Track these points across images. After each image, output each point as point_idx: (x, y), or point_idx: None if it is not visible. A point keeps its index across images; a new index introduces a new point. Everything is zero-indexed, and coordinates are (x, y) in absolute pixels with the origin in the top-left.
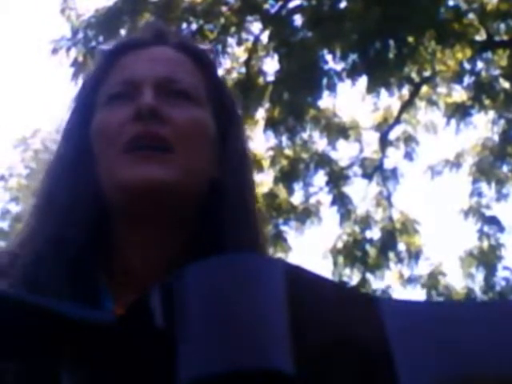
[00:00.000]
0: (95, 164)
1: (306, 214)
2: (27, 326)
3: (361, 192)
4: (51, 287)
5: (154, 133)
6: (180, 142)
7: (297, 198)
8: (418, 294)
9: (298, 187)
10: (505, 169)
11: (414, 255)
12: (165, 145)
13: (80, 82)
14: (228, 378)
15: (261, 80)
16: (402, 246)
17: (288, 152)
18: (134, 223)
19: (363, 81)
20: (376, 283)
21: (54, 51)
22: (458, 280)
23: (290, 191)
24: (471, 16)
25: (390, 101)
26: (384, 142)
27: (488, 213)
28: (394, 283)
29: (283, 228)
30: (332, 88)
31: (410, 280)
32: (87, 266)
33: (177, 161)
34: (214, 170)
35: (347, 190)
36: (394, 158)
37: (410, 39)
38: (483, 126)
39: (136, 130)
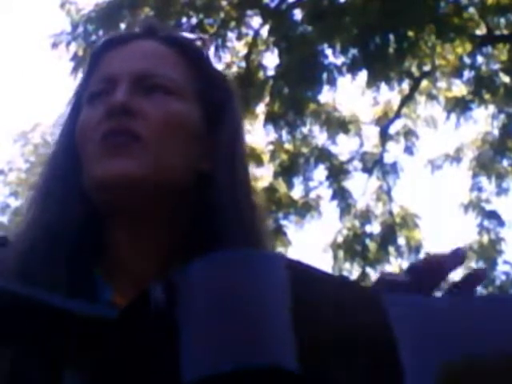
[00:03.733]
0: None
1: (306, 209)
2: (31, 322)
3: (361, 186)
4: (47, 278)
5: (125, 128)
6: (153, 136)
7: (297, 193)
8: None
9: (297, 181)
10: (505, 163)
11: (414, 249)
12: (134, 137)
13: (80, 76)
14: (232, 376)
15: (261, 74)
16: (401, 241)
17: (288, 146)
18: (119, 219)
19: (363, 75)
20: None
21: (54, 45)
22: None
23: (290, 185)
24: (471, 10)
25: (390, 95)
26: (384, 137)
27: (488, 207)
28: None
29: (283, 222)
30: (332, 82)
31: None
32: (83, 259)
33: (148, 153)
34: (202, 164)
35: (347, 184)
36: (394, 152)
37: (410, 33)
38: (483, 120)
39: (107, 127)
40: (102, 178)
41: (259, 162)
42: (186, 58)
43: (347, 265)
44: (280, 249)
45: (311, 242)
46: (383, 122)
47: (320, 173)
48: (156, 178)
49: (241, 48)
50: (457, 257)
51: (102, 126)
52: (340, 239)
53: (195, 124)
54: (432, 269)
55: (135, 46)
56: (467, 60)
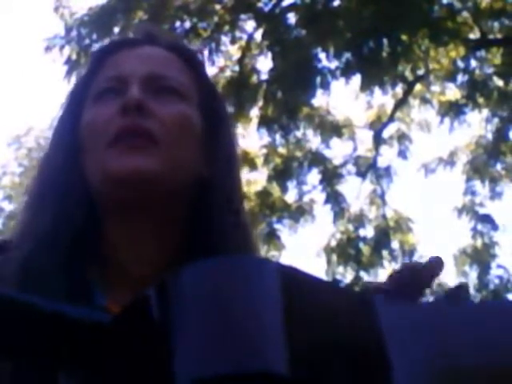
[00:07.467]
0: (84, 161)
1: (299, 213)
2: (25, 326)
3: (354, 190)
4: (43, 283)
5: (139, 126)
6: (165, 135)
7: (290, 197)
8: None
9: (291, 185)
10: (498, 167)
11: (408, 253)
12: (149, 137)
13: (73, 79)
14: (224, 380)
15: (254, 78)
16: (395, 244)
17: (282, 150)
18: (124, 217)
19: (357, 79)
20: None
21: (48, 49)
22: (452, 278)
23: (284, 189)
24: (465, 14)
25: (383, 99)
26: (378, 140)
27: (482, 211)
28: None
29: (277, 226)
30: (326, 86)
31: None
32: (79, 263)
33: (161, 152)
34: (202, 168)
35: (341, 188)
36: (387, 156)
37: (404, 37)
38: (477, 124)
39: (122, 124)
40: (120, 173)
41: (253, 165)
42: (189, 66)
43: (341, 269)
44: (274, 253)
45: (305, 246)
46: (377, 126)
47: (314, 177)
48: (169, 177)
49: (234, 52)
50: (434, 265)
51: (116, 121)
52: (333, 243)
53: (200, 129)
54: (412, 277)
55: (142, 50)
56: (461, 64)
